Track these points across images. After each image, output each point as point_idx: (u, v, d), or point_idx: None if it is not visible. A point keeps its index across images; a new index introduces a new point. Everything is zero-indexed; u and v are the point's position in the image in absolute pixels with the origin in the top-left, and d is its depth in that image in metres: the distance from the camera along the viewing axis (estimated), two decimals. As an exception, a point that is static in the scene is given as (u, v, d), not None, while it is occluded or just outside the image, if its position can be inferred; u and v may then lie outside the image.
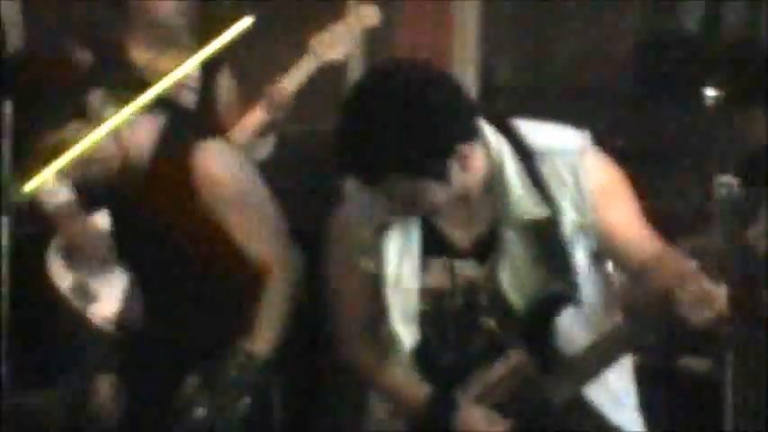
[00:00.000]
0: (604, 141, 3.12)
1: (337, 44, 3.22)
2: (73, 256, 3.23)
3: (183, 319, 2.66)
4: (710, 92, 3.31)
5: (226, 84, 3.42)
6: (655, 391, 2.81)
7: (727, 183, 2.63)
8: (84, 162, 2.41)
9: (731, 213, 2.53)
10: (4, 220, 1.97)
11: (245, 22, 2.05)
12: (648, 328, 2.18)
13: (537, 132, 2.18)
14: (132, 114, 2.19)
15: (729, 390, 2.88)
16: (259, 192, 2.59)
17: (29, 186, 1.98)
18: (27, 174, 2.00)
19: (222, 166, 2.54)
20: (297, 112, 3.31)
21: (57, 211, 3.19)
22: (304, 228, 3.04)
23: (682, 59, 3.91)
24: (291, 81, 3.21)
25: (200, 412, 2.60)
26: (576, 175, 2.15)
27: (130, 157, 2.49)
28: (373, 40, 3.87)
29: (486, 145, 2.11)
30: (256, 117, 3.26)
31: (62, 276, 3.33)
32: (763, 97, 3.48)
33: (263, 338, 2.51)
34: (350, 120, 2.02)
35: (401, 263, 2.19)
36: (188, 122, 2.89)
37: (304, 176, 3.75)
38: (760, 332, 2.96)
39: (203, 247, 2.57)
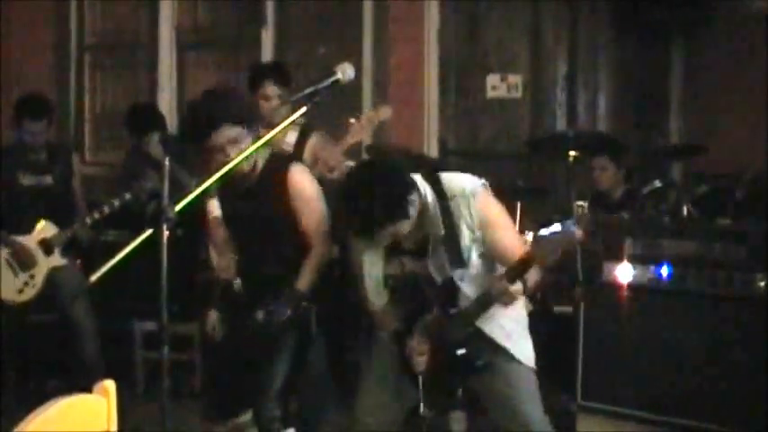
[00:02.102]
0: (511, 182, 4.53)
1: (364, 130, 4.06)
2: (213, 245, 3.93)
3: (262, 273, 3.54)
4: (572, 152, 4.32)
5: (312, 143, 4.26)
6: (540, 326, 3.76)
7: (580, 205, 4.34)
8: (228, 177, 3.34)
9: (581, 222, 4.18)
10: (164, 227, 2.42)
11: (302, 110, 2.87)
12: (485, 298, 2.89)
13: (449, 181, 2.97)
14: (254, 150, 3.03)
15: (581, 326, 3.96)
16: (319, 199, 3.51)
17: (178, 207, 2.47)
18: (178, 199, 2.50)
19: (303, 180, 3.49)
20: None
21: (213, 220, 3.91)
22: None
23: (554, 141, 4.74)
24: (339, 149, 4.04)
25: (261, 316, 3.42)
26: (468, 209, 2.92)
27: (255, 169, 3.44)
28: (378, 127, 4.97)
29: (420, 192, 2.92)
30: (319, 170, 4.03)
31: (215, 257, 4.09)
32: (599, 156, 4.76)
33: (305, 283, 3.45)
34: (351, 201, 2.80)
35: (372, 261, 3.06)
36: (287, 157, 3.82)
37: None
38: (599, 294, 3.91)
39: (284, 227, 3.48)
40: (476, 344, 2.94)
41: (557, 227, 2.66)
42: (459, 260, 2.94)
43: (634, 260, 3.89)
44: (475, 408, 3.26)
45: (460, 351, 2.91)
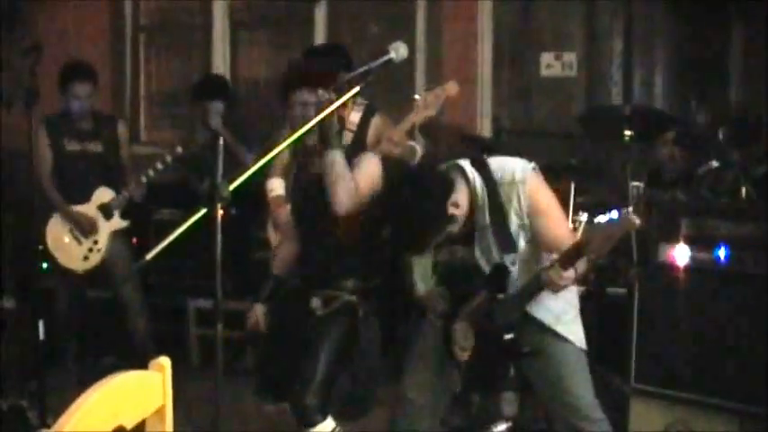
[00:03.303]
0: (565, 161, 4.47)
1: (432, 106, 3.82)
2: (276, 224, 4.10)
3: (320, 259, 3.58)
4: (627, 132, 4.22)
5: (375, 123, 4.16)
6: (593, 308, 4.02)
7: (636, 185, 4.32)
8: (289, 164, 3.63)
9: (637, 205, 4.06)
10: (218, 206, 2.46)
11: (355, 90, 2.98)
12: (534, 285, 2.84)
13: (499, 167, 2.92)
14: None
15: (635, 308, 3.90)
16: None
17: (231, 187, 2.51)
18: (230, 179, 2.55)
19: (371, 165, 3.43)
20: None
21: (274, 199, 4.12)
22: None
23: (609, 117, 4.62)
24: (403, 126, 3.88)
25: (315, 303, 3.53)
26: (517, 196, 2.87)
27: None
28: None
29: (469, 179, 2.89)
30: (384, 147, 3.92)
31: (273, 237, 4.31)
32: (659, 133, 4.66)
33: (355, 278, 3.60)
34: (397, 220, 2.82)
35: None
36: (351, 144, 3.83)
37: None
38: (654, 276, 3.85)
39: (348, 216, 3.40)
40: (524, 328, 2.92)
41: (613, 214, 2.58)
42: (508, 246, 2.90)
43: (690, 241, 3.81)
44: (526, 389, 3.22)
45: (508, 336, 2.89)
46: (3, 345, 4.95)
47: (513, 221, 2.88)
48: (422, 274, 3.09)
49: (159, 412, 1.85)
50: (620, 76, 5.52)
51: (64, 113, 5.09)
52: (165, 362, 1.86)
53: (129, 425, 1.74)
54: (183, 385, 2.08)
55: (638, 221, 2.56)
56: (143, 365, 1.86)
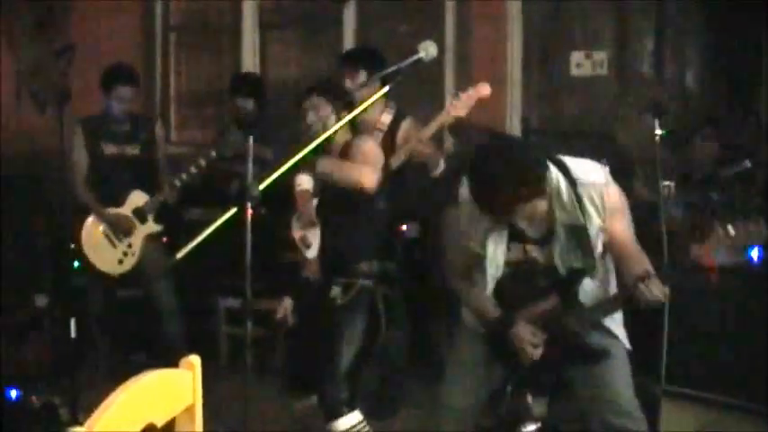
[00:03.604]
0: (598, 161, 4.42)
1: (463, 107, 4.04)
2: (301, 219, 4.01)
3: (341, 249, 3.68)
4: (658, 131, 3.98)
5: (405, 126, 4.35)
6: (625, 308, 3.66)
7: (667, 185, 4.29)
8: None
9: (667, 204, 4.04)
10: (248, 206, 2.54)
11: (385, 89, 3.08)
12: (625, 298, 2.86)
13: (578, 167, 2.88)
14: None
15: (666, 309, 3.75)
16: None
17: (261, 186, 2.62)
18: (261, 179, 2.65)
19: (371, 145, 3.75)
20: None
21: (301, 194, 4.01)
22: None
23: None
24: (432, 127, 4.09)
25: (335, 292, 3.61)
26: (600, 198, 2.82)
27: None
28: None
29: (552, 176, 2.82)
30: (413, 146, 4.17)
31: (296, 231, 4.19)
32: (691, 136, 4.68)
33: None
34: (491, 177, 2.70)
35: (496, 248, 2.94)
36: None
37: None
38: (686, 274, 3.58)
39: (367, 206, 3.66)
40: (594, 332, 2.94)
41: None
42: (588, 249, 2.86)
43: (722, 242, 3.70)
44: (556, 391, 3.21)
45: (581, 340, 2.89)
46: (35, 342, 4.99)
47: (595, 224, 2.84)
48: (493, 272, 2.98)
49: (189, 411, 1.87)
50: (651, 75, 5.48)
51: (102, 115, 5.11)
52: (194, 360, 1.88)
53: (160, 423, 1.76)
54: (212, 383, 2.10)
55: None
56: (174, 364, 1.87)
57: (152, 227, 5.05)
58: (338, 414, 3.47)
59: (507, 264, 2.97)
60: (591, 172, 2.87)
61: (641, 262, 2.83)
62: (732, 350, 3.72)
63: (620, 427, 2.91)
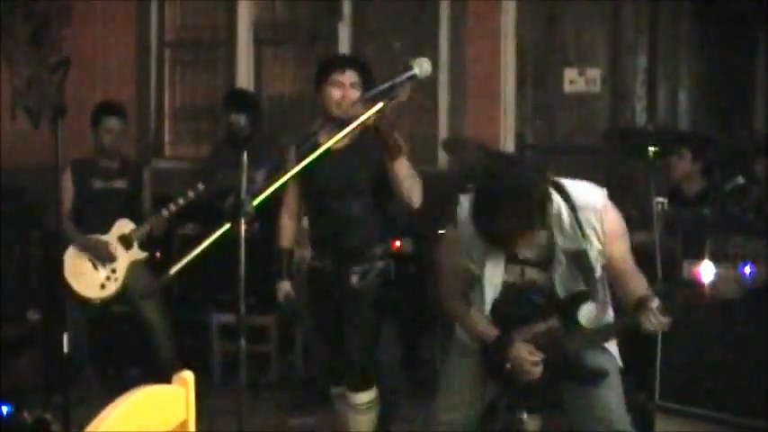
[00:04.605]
0: (589, 178, 4.46)
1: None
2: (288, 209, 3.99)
3: (345, 234, 3.68)
4: (651, 148, 4.15)
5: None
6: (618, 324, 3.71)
7: (660, 201, 4.28)
8: None
9: (660, 220, 4.07)
10: (242, 221, 2.41)
11: (378, 106, 2.83)
12: (626, 324, 2.90)
13: (578, 191, 2.86)
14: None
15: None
16: None
17: (254, 203, 2.46)
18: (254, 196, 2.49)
19: None
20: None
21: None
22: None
23: (632, 135, 4.63)
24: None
25: (354, 280, 3.64)
26: (600, 222, 2.82)
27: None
28: (454, 121, 5.40)
29: (553, 201, 2.81)
30: None
31: (285, 224, 4.09)
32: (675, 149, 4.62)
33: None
34: (490, 210, 2.70)
35: (494, 269, 2.95)
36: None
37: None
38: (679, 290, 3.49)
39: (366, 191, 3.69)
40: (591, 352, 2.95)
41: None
42: (588, 273, 2.88)
43: (716, 259, 3.79)
44: (550, 407, 3.23)
45: (580, 361, 2.91)
46: (28, 357, 4.99)
47: (594, 248, 2.84)
48: (491, 294, 2.99)
49: (182, 426, 1.87)
50: (644, 92, 5.51)
51: (91, 156, 5.23)
52: (188, 376, 1.88)
53: (153, 438, 1.75)
54: (206, 399, 2.09)
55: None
56: (167, 380, 1.87)
57: (137, 254, 5.11)
58: (361, 389, 3.71)
59: (505, 285, 2.98)
60: (590, 195, 2.88)
61: (639, 285, 2.84)
62: (725, 366, 3.72)
63: None
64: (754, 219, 4.12)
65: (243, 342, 2.41)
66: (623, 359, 3.07)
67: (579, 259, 2.86)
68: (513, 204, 2.68)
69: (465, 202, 2.88)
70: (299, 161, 2.85)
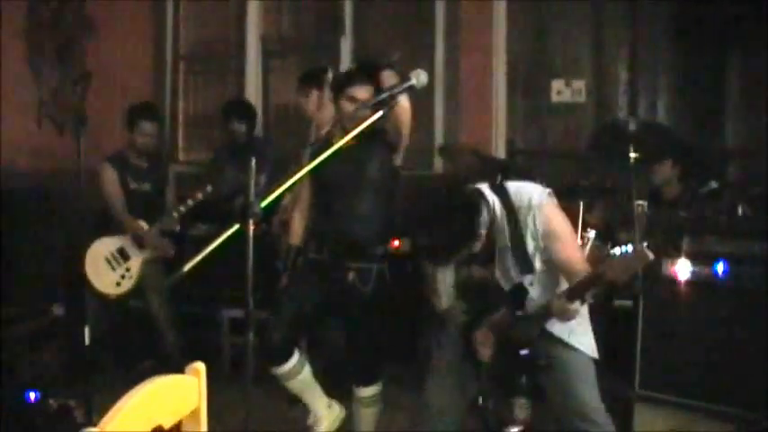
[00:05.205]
0: (575, 182, 4.44)
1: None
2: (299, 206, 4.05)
3: (347, 231, 3.67)
4: (632, 154, 3.99)
5: None
6: (601, 318, 3.78)
7: (640, 204, 4.16)
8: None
9: (640, 221, 3.98)
10: (250, 222, 2.42)
11: (378, 114, 2.88)
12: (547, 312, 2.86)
13: (516, 192, 2.92)
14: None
15: (640, 319, 3.89)
16: None
17: (263, 203, 2.50)
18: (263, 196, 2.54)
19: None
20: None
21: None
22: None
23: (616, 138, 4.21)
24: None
25: (351, 277, 3.62)
26: (534, 221, 2.88)
27: None
28: (449, 128, 5.38)
29: (489, 204, 2.88)
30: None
31: (296, 220, 4.10)
32: (658, 158, 4.57)
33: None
34: (425, 232, 2.78)
35: (446, 270, 3.10)
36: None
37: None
38: (657, 288, 3.84)
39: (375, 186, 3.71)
40: (539, 340, 2.94)
41: (628, 248, 2.54)
42: (526, 267, 2.91)
43: (692, 257, 3.81)
44: (537, 394, 3.21)
45: (524, 351, 2.90)
46: (53, 349, 4.99)
47: (530, 244, 2.88)
48: (445, 289, 3.10)
49: (195, 414, 1.88)
50: (625, 101, 5.52)
51: (123, 151, 5.26)
52: (200, 367, 1.89)
53: (167, 425, 1.77)
54: (216, 390, 2.09)
55: (651, 255, 2.51)
56: (179, 371, 1.88)
57: (149, 253, 5.13)
58: (374, 382, 3.76)
59: (458, 284, 3.06)
60: (527, 196, 2.90)
61: (571, 280, 2.84)
62: (702, 357, 3.73)
63: None
64: (726, 220, 4.12)
65: (251, 336, 2.41)
66: (603, 349, 3.07)
67: (518, 254, 2.88)
68: (443, 230, 2.72)
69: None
70: (311, 161, 2.86)
